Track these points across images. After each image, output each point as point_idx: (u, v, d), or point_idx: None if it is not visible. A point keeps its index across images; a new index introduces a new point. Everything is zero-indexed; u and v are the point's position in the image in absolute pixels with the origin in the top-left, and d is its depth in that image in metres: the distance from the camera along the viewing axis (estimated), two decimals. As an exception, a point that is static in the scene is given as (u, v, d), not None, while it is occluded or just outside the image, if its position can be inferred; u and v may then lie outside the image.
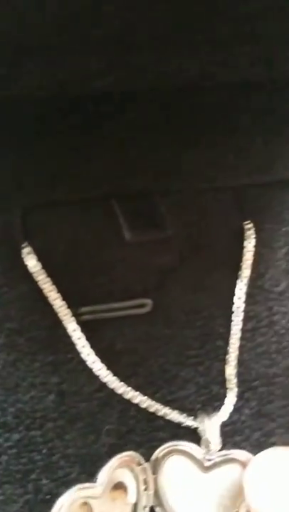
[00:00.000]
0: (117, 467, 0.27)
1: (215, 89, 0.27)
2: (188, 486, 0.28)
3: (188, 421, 0.29)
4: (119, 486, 0.27)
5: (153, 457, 0.28)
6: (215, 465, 0.28)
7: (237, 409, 0.29)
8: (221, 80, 0.26)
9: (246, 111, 0.28)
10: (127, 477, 0.27)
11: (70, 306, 0.29)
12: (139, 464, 0.27)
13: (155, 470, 0.28)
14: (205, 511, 0.28)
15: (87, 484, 0.25)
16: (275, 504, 0.25)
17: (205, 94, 0.27)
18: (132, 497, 0.27)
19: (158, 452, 0.28)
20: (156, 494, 0.27)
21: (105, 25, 0.21)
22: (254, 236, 0.30)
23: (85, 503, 0.25)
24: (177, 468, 0.28)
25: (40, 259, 0.29)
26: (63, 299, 0.29)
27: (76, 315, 0.28)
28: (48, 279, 0.28)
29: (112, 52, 0.23)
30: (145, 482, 0.27)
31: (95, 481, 0.26)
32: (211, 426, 0.29)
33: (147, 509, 0.27)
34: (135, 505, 0.27)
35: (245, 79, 0.26)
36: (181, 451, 0.28)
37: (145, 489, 0.27)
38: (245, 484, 0.26)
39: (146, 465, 0.27)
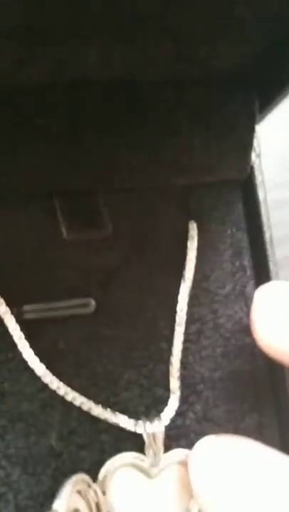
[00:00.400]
0: (72, 495, 0.37)
1: (147, 87, 0.38)
2: (137, 499, 0.41)
3: (130, 425, 0.41)
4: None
5: (100, 477, 0.40)
6: (162, 469, 0.42)
7: (181, 413, 0.42)
8: (144, 78, 0.37)
9: (181, 109, 0.40)
10: (80, 504, 0.38)
11: (11, 304, 0.39)
12: (89, 486, 0.39)
13: (104, 490, 0.40)
14: None
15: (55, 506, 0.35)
16: (220, 488, 0.36)
17: (140, 90, 0.38)
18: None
19: (106, 469, 0.40)
20: None
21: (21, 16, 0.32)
22: (197, 236, 0.41)
23: None
24: (124, 483, 0.41)
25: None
26: (4, 298, 0.39)
27: (18, 314, 0.39)
28: None
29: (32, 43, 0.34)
30: (97, 506, 0.39)
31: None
32: (155, 432, 0.41)
33: None
34: None
35: (172, 76, 0.38)
36: (128, 463, 0.41)
37: None
38: (190, 470, 0.37)
39: (95, 486, 0.40)
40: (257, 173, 0.45)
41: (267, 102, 0.43)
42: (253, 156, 0.45)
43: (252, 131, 0.44)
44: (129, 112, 0.41)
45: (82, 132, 0.41)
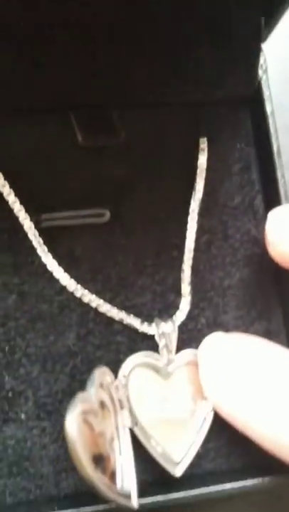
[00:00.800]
0: (99, 386, 0.39)
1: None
2: (155, 398, 0.42)
3: (143, 327, 0.42)
4: (103, 405, 0.39)
5: (120, 375, 0.42)
6: (175, 370, 0.43)
7: (192, 317, 0.43)
8: None
9: (191, 22, 0.41)
10: (105, 398, 0.40)
11: (30, 213, 0.41)
12: (112, 383, 0.40)
13: (124, 387, 0.41)
14: (175, 421, 0.41)
15: (84, 395, 0.36)
16: (227, 378, 0.38)
17: (151, 2, 0.40)
18: (113, 418, 0.40)
19: (124, 368, 0.42)
20: (131, 413, 0.41)
21: None
22: (207, 150, 0.43)
23: (86, 420, 0.35)
24: (142, 382, 0.42)
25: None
26: (24, 206, 0.41)
27: (36, 221, 0.40)
28: (6, 182, 0.42)
29: None
30: (120, 402, 0.41)
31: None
32: (170, 332, 0.43)
33: (127, 429, 0.41)
34: (117, 428, 0.40)
35: None
36: (144, 363, 0.43)
37: (121, 408, 0.40)
38: (199, 361, 0.39)
39: (118, 383, 0.41)
40: (264, 88, 0.46)
41: (271, 18, 0.44)
42: (260, 71, 0.46)
43: (258, 45, 0.45)
44: (140, 23, 0.42)
45: (94, 47, 0.43)
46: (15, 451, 0.41)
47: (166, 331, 0.43)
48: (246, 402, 0.39)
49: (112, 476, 0.37)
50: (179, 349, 0.44)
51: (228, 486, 0.40)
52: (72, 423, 0.33)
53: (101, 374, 0.39)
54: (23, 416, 0.42)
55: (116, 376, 0.42)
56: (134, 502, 0.38)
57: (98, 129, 0.44)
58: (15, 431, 0.41)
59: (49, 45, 0.41)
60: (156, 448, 0.41)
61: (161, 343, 0.43)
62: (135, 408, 0.41)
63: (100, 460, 0.36)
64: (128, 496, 0.38)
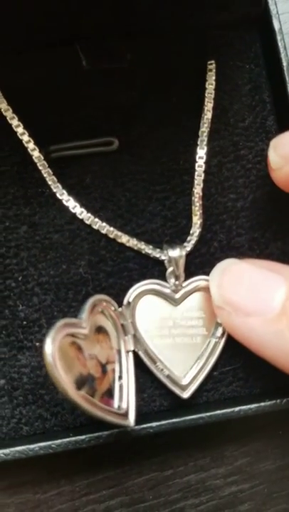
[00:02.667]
0: (96, 313, 0.37)
1: None
2: (163, 324, 0.40)
3: (155, 252, 0.39)
4: (101, 330, 0.38)
5: (125, 301, 0.40)
6: (184, 296, 0.41)
7: (205, 241, 0.40)
8: None
9: None
10: (106, 323, 0.38)
11: (39, 144, 0.39)
12: (114, 310, 0.39)
13: (130, 314, 0.39)
14: (185, 346, 0.40)
15: (72, 320, 0.35)
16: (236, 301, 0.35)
17: None
18: (114, 343, 0.38)
19: (129, 295, 0.40)
20: (136, 338, 0.39)
21: None
22: (215, 72, 0.40)
23: (73, 343, 0.34)
24: (149, 309, 0.40)
25: (7, 99, 0.40)
26: (33, 138, 0.39)
27: (46, 152, 0.38)
28: (14, 115, 0.40)
29: None
30: (123, 327, 0.39)
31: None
32: (176, 257, 0.40)
33: (130, 353, 0.39)
34: (119, 352, 0.39)
35: None
36: (150, 290, 0.40)
37: (125, 334, 0.39)
38: (210, 285, 0.37)
39: (122, 309, 0.39)
40: (270, 6, 0.42)
41: None
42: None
43: None
44: None
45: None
46: (30, 379, 0.40)
47: (173, 256, 0.40)
48: (261, 327, 0.37)
49: (105, 396, 0.36)
50: (192, 274, 0.41)
51: (237, 408, 0.38)
52: (49, 345, 0.31)
53: (98, 301, 0.37)
54: (37, 344, 0.40)
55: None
56: (132, 420, 0.36)
57: (103, 53, 0.42)
58: (30, 359, 0.40)
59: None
60: (163, 371, 0.39)
61: (168, 269, 0.40)
62: (142, 333, 0.39)
63: (88, 380, 0.34)
64: (124, 415, 0.36)
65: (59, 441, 0.38)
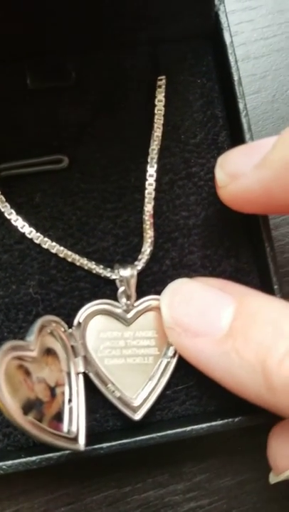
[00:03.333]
0: (44, 334, 0.36)
1: None
2: (114, 345, 0.40)
3: (105, 272, 0.38)
4: (49, 352, 0.37)
5: (75, 322, 0.39)
6: (136, 316, 0.40)
7: (157, 259, 0.40)
8: None
9: None
10: (55, 345, 0.37)
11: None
12: (64, 331, 0.38)
13: (80, 335, 0.38)
14: (137, 367, 0.39)
15: (19, 342, 0.34)
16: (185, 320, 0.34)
17: None
18: (64, 365, 0.37)
19: (79, 316, 0.39)
20: (86, 360, 0.39)
21: None
22: (165, 88, 0.39)
23: (21, 366, 0.33)
24: (100, 329, 0.40)
25: None
26: (-20, 157, 0.38)
27: (-7, 172, 0.38)
28: None
29: None
30: (73, 348, 0.38)
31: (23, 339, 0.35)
32: (128, 277, 0.39)
33: (81, 375, 0.38)
34: (68, 374, 0.38)
35: None
36: (101, 310, 0.40)
37: (75, 356, 0.38)
38: (162, 309, 0.37)
39: (72, 331, 0.38)
40: (222, 18, 0.41)
41: None
42: (216, 1, 0.41)
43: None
44: None
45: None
46: (-19, 400, 0.39)
47: (124, 275, 0.39)
48: (208, 348, 0.36)
49: (54, 421, 0.35)
50: (144, 293, 0.40)
51: (189, 428, 0.38)
52: None
53: (47, 322, 0.37)
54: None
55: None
56: (82, 444, 0.36)
57: (48, 72, 0.41)
58: (-20, 380, 0.39)
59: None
60: (114, 393, 0.38)
61: (120, 289, 0.40)
62: (93, 354, 0.39)
63: (36, 405, 0.33)
64: (74, 439, 0.35)
65: (10, 462, 0.37)
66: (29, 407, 0.32)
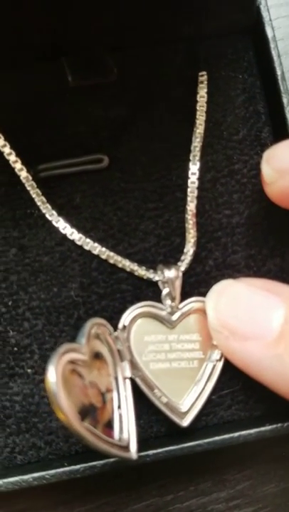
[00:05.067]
0: (93, 337, 0.35)
1: None
2: (159, 348, 0.38)
3: (148, 273, 0.38)
4: (98, 356, 0.36)
5: (120, 325, 0.38)
6: (180, 318, 0.39)
7: (200, 260, 0.38)
8: None
9: None
10: (102, 349, 0.36)
11: (27, 164, 0.37)
12: (110, 334, 0.36)
13: (125, 338, 0.37)
14: (182, 371, 0.38)
15: (72, 345, 0.32)
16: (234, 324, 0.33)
17: None
18: (111, 370, 0.36)
19: (124, 319, 0.38)
20: (132, 364, 0.37)
21: None
22: (207, 84, 0.38)
23: (74, 370, 0.32)
24: (144, 332, 0.38)
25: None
26: (20, 158, 0.37)
27: (34, 172, 0.36)
28: (0, 134, 0.38)
29: None
30: (119, 352, 0.37)
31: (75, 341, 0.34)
32: (172, 278, 0.38)
33: (128, 380, 0.37)
34: (116, 379, 0.36)
35: None
36: (146, 312, 0.38)
37: (121, 360, 0.37)
38: (206, 309, 0.36)
39: (118, 334, 0.37)
40: (263, 12, 0.40)
41: None
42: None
43: None
44: None
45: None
46: (23, 407, 0.38)
47: (169, 277, 0.38)
48: (259, 352, 0.35)
49: (106, 428, 0.33)
50: (187, 294, 0.39)
51: (236, 434, 0.36)
52: (53, 373, 0.29)
53: (95, 325, 0.35)
54: (29, 371, 0.38)
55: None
56: (134, 453, 0.34)
57: (89, 69, 0.39)
58: (22, 386, 0.38)
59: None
60: (161, 398, 0.37)
61: (164, 290, 0.38)
62: (138, 359, 0.37)
63: (90, 411, 0.32)
64: (126, 447, 0.34)
65: (53, 471, 0.36)
66: (85, 413, 0.31)
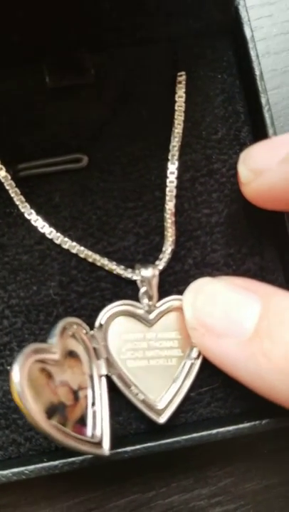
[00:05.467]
0: (66, 337, 0.35)
1: None
2: (137, 346, 0.38)
3: (126, 273, 0.38)
4: (72, 355, 0.36)
5: (97, 323, 0.38)
6: (158, 317, 0.39)
7: (179, 258, 0.38)
8: None
9: None
10: (77, 347, 0.36)
11: (6, 164, 0.37)
12: (86, 333, 0.37)
13: (102, 337, 0.37)
14: (160, 369, 0.38)
15: (41, 345, 0.33)
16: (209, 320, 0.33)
17: None
18: (86, 368, 0.36)
19: (101, 317, 0.38)
20: (109, 362, 0.37)
21: None
22: (185, 84, 0.38)
23: (43, 369, 0.32)
24: (122, 330, 0.38)
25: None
26: (-1, 158, 0.37)
27: (13, 172, 0.37)
28: None
29: None
30: (95, 351, 0.37)
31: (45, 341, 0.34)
32: (149, 277, 0.38)
33: (103, 378, 0.37)
34: (91, 377, 0.36)
35: None
36: (123, 311, 0.38)
37: (97, 358, 0.37)
38: (184, 309, 0.36)
39: (94, 333, 0.37)
40: (242, 12, 0.40)
41: None
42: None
43: None
44: None
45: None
46: (2, 403, 0.38)
47: (145, 276, 0.38)
48: (234, 350, 0.35)
49: (78, 424, 0.34)
50: (166, 292, 0.39)
51: (214, 431, 0.36)
52: (17, 373, 0.29)
53: (69, 324, 0.35)
54: (9, 368, 0.38)
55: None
56: (106, 449, 0.34)
57: (66, 70, 0.40)
58: (1, 383, 0.38)
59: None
60: (138, 395, 0.37)
61: (141, 289, 0.38)
62: (115, 357, 0.37)
63: (59, 409, 0.32)
64: (98, 444, 0.34)
65: (32, 467, 0.36)
66: (52, 411, 0.31)
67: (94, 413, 0.35)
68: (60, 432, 0.31)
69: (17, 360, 0.29)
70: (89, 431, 0.34)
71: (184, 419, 0.39)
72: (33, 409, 0.29)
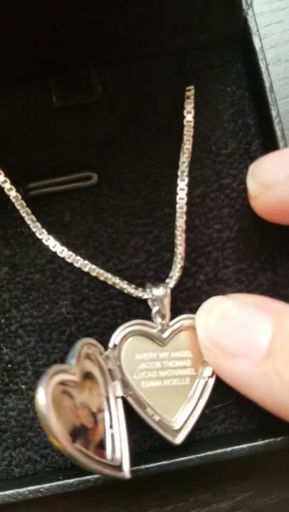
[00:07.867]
0: (83, 357, 0.35)
1: None
2: (150, 366, 0.38)
3: (137, 292, 0.39)
4: (88, 376, 0.36)
5: (110, 344, 0.38)
6: (171, 336, 0.39)
7: (190, 275, 0.38)
8: None
9: None
10: (93, 369, 0.37)
11: (16, 183, 0.37)
12: (101, 353, 0.37)
13: (116, 357, 0.37)
14: (174, 389, 0.38)
15: (62, 366, 0.33)
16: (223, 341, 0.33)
17: None
18: (102, 390, 0.37)
19: (114, 338, 0.38)
20: (124, 383, 0.37)
21: None
22: (194, 98, 0.37)
23: (64, 391, 0.32)
24: (135, 350, 0.38)
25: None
26: (9, 177, 0.37)
27: (23, 191, 0.37)
28: None
29: None
30: (110, 372, 0.37)
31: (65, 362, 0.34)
32: (161, 296, 0.38)
33: (119, 400, 0.37)
34: (107, 398, 0.36)
35: None
36: (136, 331, 0.38)
37: (112, 380, 0.37)
38: (197, 328, 0.36)
39: (108, 353, 0.37)
40: (250, 23, 0.40)
41: None
42: (245, 6, 0.40)
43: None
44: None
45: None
46: (18, 422, 0.39)
47: (157, 295, 0.38)
48: (247, 369, 0.35)
49: (99, 448, 0.34)
50: (178, 309, 0.39)
51: (229, 449, 0.36)
52: (43, 395, 0.29)
53: (86, 345, 0.36)
54: (23, 387, 0.39)
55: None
56: (127, 472, 0.34)
57: (73, 88, 0.40)
58: (16, 402, 0.39)
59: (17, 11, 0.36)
60: (153, 417, 0.37)
61: (154, 309, 0.38)
62: (129, 377, 0.38)
63: (81, 432, 0.32)
64: (119, 467, 0.34)
65: (48, 485, 0.36)
66: (76, 434, 0.31)
67: (112, 436, 0.35)
68: (85, 455, 0.31)
69: (41, 381, 0.29)
70: (109, 454, 0.35)
71: (199, 436, 0.39)
72: (59, 432, 0.29)
